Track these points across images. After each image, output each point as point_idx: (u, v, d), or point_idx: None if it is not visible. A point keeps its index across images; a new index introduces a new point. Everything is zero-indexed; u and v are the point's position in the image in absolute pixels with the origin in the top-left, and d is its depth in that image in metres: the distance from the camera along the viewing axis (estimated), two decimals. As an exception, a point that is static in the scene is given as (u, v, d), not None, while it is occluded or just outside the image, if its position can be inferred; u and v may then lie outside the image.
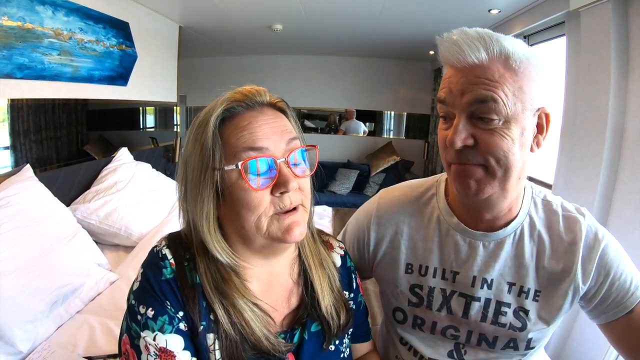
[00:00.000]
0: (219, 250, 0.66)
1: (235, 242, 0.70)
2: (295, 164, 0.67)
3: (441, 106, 0.74)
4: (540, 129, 0.73)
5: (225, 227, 0.69)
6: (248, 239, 0.68)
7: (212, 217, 0.66)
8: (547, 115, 0.73)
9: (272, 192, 0.65)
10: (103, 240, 2.19)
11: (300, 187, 0.68)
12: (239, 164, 0.62)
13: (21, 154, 2.03)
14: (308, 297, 0.76)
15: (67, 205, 2.08)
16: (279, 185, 0.64)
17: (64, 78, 2.26)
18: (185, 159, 0.68)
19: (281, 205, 0.65)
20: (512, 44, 0.69)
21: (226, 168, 0.64)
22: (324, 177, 5.22)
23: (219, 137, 0.65)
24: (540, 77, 0.70)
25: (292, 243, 0.69)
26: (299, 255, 0.80)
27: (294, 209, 0.67)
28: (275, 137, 0.66)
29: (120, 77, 2.82)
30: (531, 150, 0.73)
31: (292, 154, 0.66)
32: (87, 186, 2.36)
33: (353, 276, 0.87)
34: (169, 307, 0.63)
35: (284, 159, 0.65)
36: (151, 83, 3.31)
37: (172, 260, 0.67)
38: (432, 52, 4.86)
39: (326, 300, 0.76)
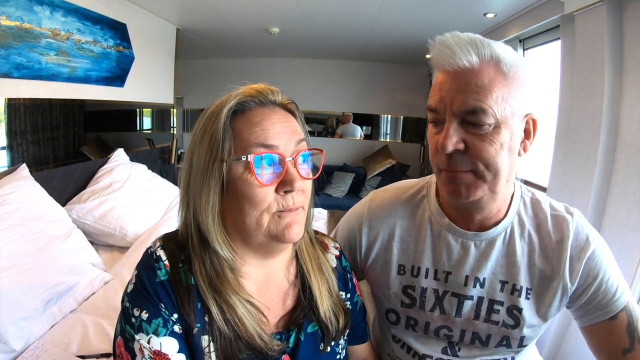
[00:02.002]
0: (220, 242, 0.66)
1: (234, 238, 0.69)
2: (301, 165, 0.68)
3: (431, 113, 0.76)
4: (527, 134, 0.75)
5: (226, 223, 0.68)
6: (248, 235, 0.67)
7: (217, 209, 0.66)
8: (534, 121, 0.75)
9: (276, 190, 0.65)
10: (98, 241, 2.18)
11: (303, 189, 0.68)
12: (249, 156, 0.63)
13: (17, 154, 2.02)
14: (306, 300, 0.75)
15: (63, 205, 2.07)
16: (284, 183, 0.64)
17: (61, 78, 2.25)
18: (192, 149, 0.68)
19: (284, 205, 0.65)
20: (503, 48, 0.71)
21: (234, 161, 0.64)
22: (324, 180, 5.22)
23: (230, 129, 0.65)
24: (529, 83, 0.72)
25: (289, 242, 0.69)
26: (297, 257, 0.79)
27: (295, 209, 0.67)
28: (285, 137, 0.66)
29: (117, 78, 2.82)
30: (518, 154, 0.75)
31: (300, 155, 0.67)
32: (83, 186, 2.35)
33: (349, 276, 0.87)
34: (164, 309, 0.63)
35: (291, 158, 0.66)
36: (148, 85, 3.30)
37: (166, 262, 0.66)
38: (428, 56, 4.81)
39: (325, 305, 0.75)
